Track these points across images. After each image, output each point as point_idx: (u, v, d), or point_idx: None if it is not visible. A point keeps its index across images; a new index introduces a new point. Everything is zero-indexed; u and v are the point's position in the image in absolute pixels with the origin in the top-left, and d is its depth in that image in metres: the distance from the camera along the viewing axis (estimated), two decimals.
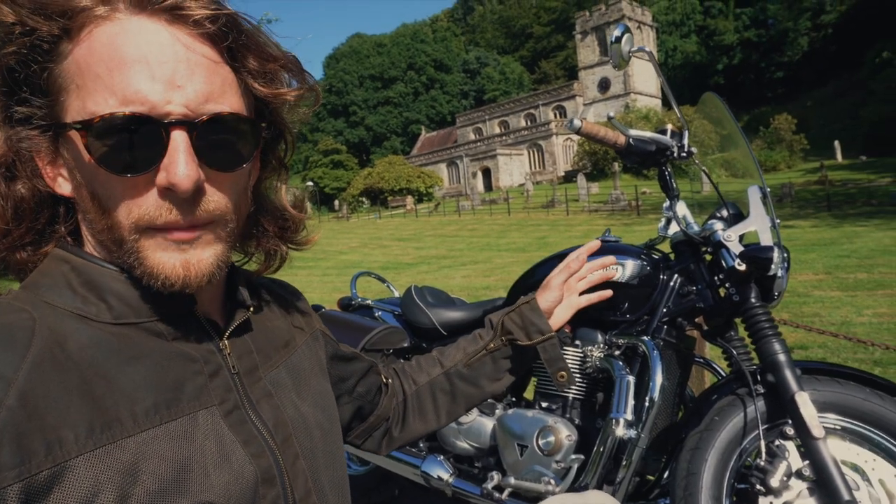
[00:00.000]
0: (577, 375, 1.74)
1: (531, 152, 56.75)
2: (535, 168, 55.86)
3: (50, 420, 0.49)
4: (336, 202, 55.33)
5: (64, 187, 0.60)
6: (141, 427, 0.54)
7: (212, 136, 0.56)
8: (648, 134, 1.60)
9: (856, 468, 1.35)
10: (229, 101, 0.57)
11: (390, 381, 1.01)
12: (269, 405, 0.66)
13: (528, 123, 62.87)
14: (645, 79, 58.71)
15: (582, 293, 1.17)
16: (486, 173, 55.89)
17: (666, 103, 49.67)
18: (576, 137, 50.64)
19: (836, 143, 39.83)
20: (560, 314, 1.12)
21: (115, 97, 0.52)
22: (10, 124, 0.57)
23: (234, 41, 0.57)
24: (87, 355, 0.54)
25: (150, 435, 0.54)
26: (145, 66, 0.53)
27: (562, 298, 1.13)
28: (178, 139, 0.54)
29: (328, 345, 0.89)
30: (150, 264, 0.56)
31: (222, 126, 0.57)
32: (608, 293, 1.22)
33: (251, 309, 0.70)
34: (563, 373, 1.02)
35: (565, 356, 1.73)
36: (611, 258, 1.23)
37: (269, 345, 0.72)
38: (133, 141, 0.53)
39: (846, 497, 1.25)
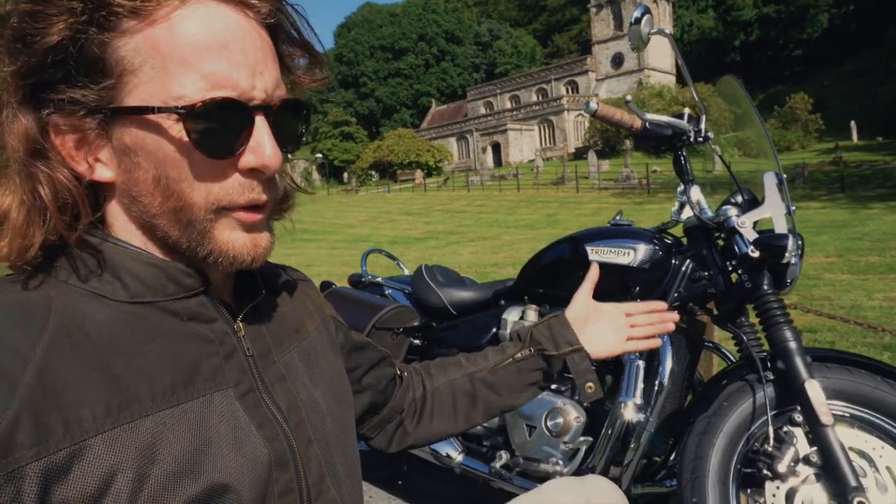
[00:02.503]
0: None
1: (542, 128, 56.25)
2: (546, 144, 55.40)
3: (68, 398, 0.49)
4: (345, 175, 55.22)
5: (102, 172, 0.58)
6: (158, 406, 0.54)
7: (281, 120, 0.60)
8: (665, 118, 1.58)
9: (863, 455, 1.36)
10: (284, 88, 0.61)
11: (405, 373, 0.99)
12: (283, 389, 0.67)
13: (540, 98, 62.21)
14: (659, 55, 57.76)
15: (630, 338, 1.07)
16: (496, 148, 55.54)
17: (680, 80, 48.90)
18: (591, 117, 50.08)
19: (853, 123, 39.21)
20: (601, 347, 1.02)
21: (205, 81, 0.53)
22: (35, 106, 0.54)
23: (286, 33, 0.62)
24: (105, 333, 0.54)
25: (168, 415, 0.54)
26: (232, 53, 0.54)
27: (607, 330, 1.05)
28: (261, 123, 0.57)
29: (342, 331, 0.89)
30: (222, 242, 0.59)
31: (289, 110, 0.61)
32: (657, 343, 1.11)
33: (263, 292, 0.70)
34: (591, 384, 0.99)
35: None
36: (662, 304, 1.10)
37: (281, 329, 0.72)
38: (225, 125, 0.55)
39: (853, 483, 1.26)
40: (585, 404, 1.72)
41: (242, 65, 0.55)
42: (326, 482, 0.68)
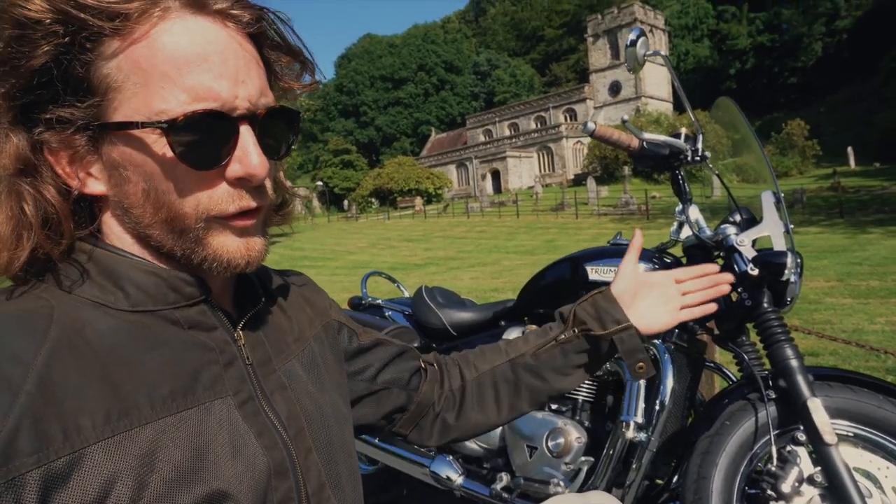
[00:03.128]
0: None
1: (541, 155, 56.68)
2: (545, 171, 55.78)
3: (68, 406, 0.49)
4: (345, 202, 55.46)
5: (94, 186, 0.59)
6: (158, 414, 0.54)
7: (268, 128, 0.60)
8: (662, 137, 1.59)
9: (868, 475, 1.35)
10: (271, 95, 0.62)
11: (433, 365, 0.95)
12: (283, 398, 0.67)
13: (538, 126, 62.76)
14: (656, 82, 58.52)
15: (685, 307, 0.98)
16: (496, 175, 55.87)
17: (678, 107, 49.47)
18: (586, 140, 50.49)
19: (850, 149, 39.53)
20: (653, 321, 0.94)
21: (187, 94, 0.54)
22: (25, 125, 0.56)
23: (271, 42, 0.62)
24: (106, 342, 0.54)
25: (167, 423, 0.54)
26: (212, 64, 0.55)
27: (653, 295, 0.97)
28: (246, 132, 0.58)
29: (346, 335, 0.87)
30: (215, 247, 0.60)
31: (275, 118, 0.61)
32: (713, 307, 1.01)
33: (263, 300, 0.70)
34: (642, 364, 0.90)
35: None
36: (713, 266, 1.02)
37: (281, 337, 0.72)
38: (209, 136, 0.56)
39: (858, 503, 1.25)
40: (587, 424, 1.71)
41: (223, 75, 0.55)
42: (327, 491, 0.68)
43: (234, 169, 0.58)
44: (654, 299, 0.95)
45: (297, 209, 0.78)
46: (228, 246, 0.60)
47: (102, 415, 0.51)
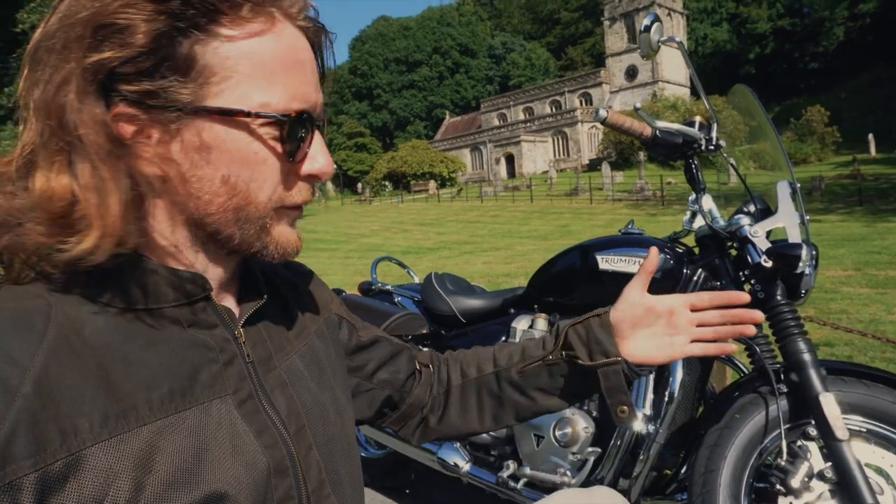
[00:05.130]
0: None
1: (555, 139, 56.24)
2: (559, 155, 55.37)
3: (65, 408, 0.49)
4: (359, 185, 55.50)
5: (148, 168, 0.57)
6: (156, 416, 0.54)
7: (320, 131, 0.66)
8: (676, 126, 1.56)
9: (880, 471, 1.33)
10: None
11: (427, 366, 0.95)
12: (284, 395, 0.66)
13: (553, 110, 62.27)
14: (673, 67, 57.67)
15: (697, 340, 0.85)
16: (510, 160, 55.58)
17: (695, 93, 48.72)
18: (601, 125, 50.00)
19: (870, 136, 38.79)
20: (652, 353, 0.84)
21: (288, 93, 0.58)
22: (111, 96, 0.53)
23: (320, 57, 0.67)
24: (104, 341, 0.54)
25: (165, 423, 0.54)
26: (305, 71, 0.61)
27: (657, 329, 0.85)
28: (318, 135, 0.63)
29: (346, 330, 0.87)
30: (276, 236, 0.63)
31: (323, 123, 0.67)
32: (731, 349, 0.86)
33: (265, 297, 0.70)
34: (624, 407, 0.81)
35: None
36: (743, 296, 0.84)
37: (282, 333, 0.72)
38: (299, 133, 0.60)
39: (869, 500, 1.23)
40: (595, 414, 1.70)
41: (311, 82, 0.61)
42: (327, 489, 0.67)
43: (311, 165, 0.63)
44: (658, 328, 0.84)
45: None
46: (287, 235, 0.64)
47: (100, 416, 0.50)
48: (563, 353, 0.85)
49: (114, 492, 0.49)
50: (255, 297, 0.69)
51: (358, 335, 0.88)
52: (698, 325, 0.83)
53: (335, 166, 0.65)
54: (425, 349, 0.99)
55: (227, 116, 0.56)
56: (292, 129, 0.59)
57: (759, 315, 0.83)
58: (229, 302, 0.67)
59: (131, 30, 0.51)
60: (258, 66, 0.56)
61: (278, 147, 0.59)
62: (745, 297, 0.83)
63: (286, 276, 0.80)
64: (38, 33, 0.55)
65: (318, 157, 0.63)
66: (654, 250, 0.88)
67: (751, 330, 0.83)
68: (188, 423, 0.56)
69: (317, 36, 0.64)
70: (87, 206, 0.52)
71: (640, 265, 0.86)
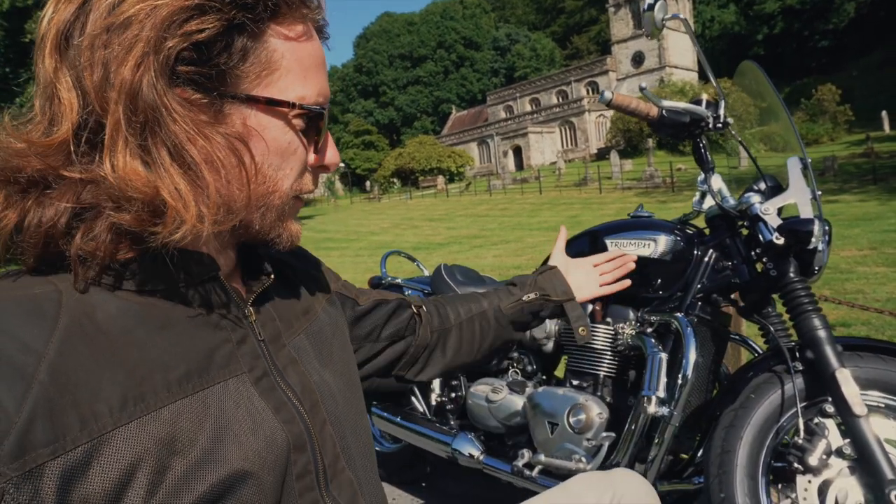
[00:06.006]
0: (609, 352, 1.72)
1: (563, 130, 55.95)
2: (567, 146, 55.08)
3: (83, 394, 0.49)
4: (367, 183, 55.58)
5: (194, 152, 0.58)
6: (175, 396, 0.54)
7: None
8: (682, 105, 1.54)
9: None
10: None
11: (423, 309, 1.07)
12: (296, 372, 0.67)
13: (560, 100, 61.90)
14: (680, 52, 57.08)
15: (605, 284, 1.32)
16: (518, 152, 55.39)
17: (703, 77, 48.21)
18: (609, 114, 49.63)
19: (884, 113, 38.17)
20: (581, 292, 1.25)
21: (316, 89, 0.63)
22: (174, 77, 0.54)
23: None
24: (117, 325, 0.54)
25: (184, 404, 0.54)
26: (325, 71, 0.66)
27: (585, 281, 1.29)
28: (326, 129, 0.67)
29: (346, 305, 0.91)
30: (289, 225, 0.66)
31: None
32: (627, 283, 1.34)
33: (272, 276, 0.71)
34: (584, 328, 1.18)
35: (595, 332, 1.71)
36: (619, 252, 1.40)
37: (289, 312, 0.73)
38: (320, 126, 0.65)
39: (890, 476, 1.21)
40: (608, 399, 1.69)
41: (327, 81, 0.66)
42: (342, 462, 0.68)
43: (324, 156, 0.68)
44: (580, 275, 1.28)
45: (319, 191, 0.82)
46: (294, 224, 0.68)
47: (118, 400, 0.50)
48: (537, 293, 1.17)
49: (138, 475, 0.50)
50: (262, 276, 0.70)
51: (358, 304, 0.95)
52: (602, 275, 1.32)
53: (343, 164, 0.68)
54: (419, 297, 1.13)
55: (272, 106, 0.60)
56: (316, 121, 0.64)
57: (631, 256, 1.38)
58: (236, 281, 0.69)
59: (208, 18, 0.53)
60: (298, 63, 0.61)
61: (306, 138, 0.64)
62: (620, 252, 1.39)
63: (288, 258, 0.82)
64: (70, 17, 0.53)
65: (328, 150, 0.68)
66: (563, 228, 1.35)
67: (630, 266, 1.36)
68: (207, 402, 0.56)
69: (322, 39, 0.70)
70: (175, 191, 0.52)
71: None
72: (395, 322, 0.99)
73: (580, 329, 1.18)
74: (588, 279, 1.28)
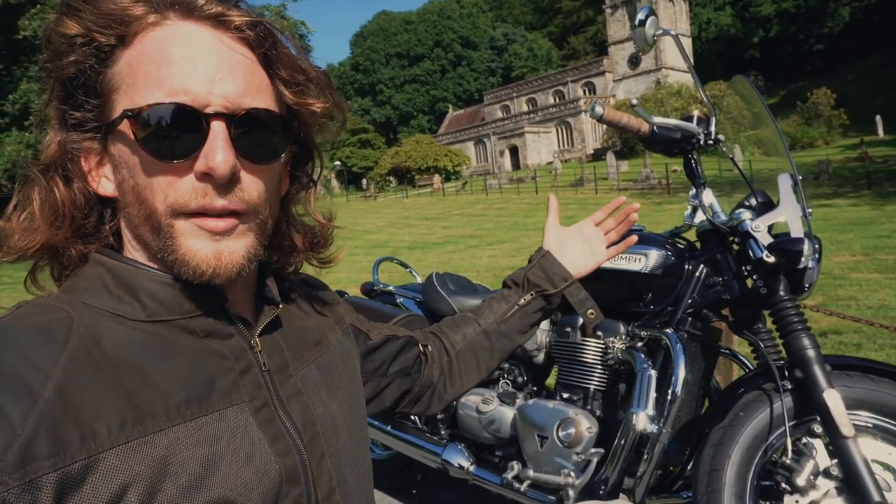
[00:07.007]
0: (599, 366, 1.72)
1: (559, 130, 56.00)
2: (564, 146, 55.14)
3: (85, 413, 0.51)
4: (364, 181, 55.53)
5: (106, 187, 0.63)
6: (172, 422, 0.55)
7: (248, 130, 0.60)
8: (673, 121, 1.54)
9: (887, 467, 1.31)
10: (265, 101, 0.62)
11: (429, 348, 1.03)
12: (299, 403, 0.67)
13: (557, 101, 61.90)
14: (676, 54, 56.92)
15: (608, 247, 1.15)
16: (514, 151, 55.40)
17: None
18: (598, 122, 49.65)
19: (878, 117, 38.33)
20: (584, 264, 1.11)
21: (162, 90, 0.56)
22: (65, 128, 0.61)
23: (269, 49, 0.63)
24: (123, 352, 0.56)
25: (181, 430, 0.56)
26: (190, 63, 0.57)
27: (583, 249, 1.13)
28: (217, 129, 0.58)
29: (359, 338, 0.90)
30: (183, 250, 0.59)
31: (258, 121, 0.61)
32: (634, 239, 1.17)
33: (280, 306, 0.71)
34: (592, 311, 1.06)
35: (586, 346, 1.71)
36: (620, 199, 1.18)
37: (299, 342, 0.73)
38: (177, 129, 0.57)
39: (876, 497, 1.22)
40: (598, 414, 1.69)
41: (200, 73, 0.57)
42: (336, 497, 0.68)
43: (199, 163, 0.58)
44: (580, 244, 1.11)
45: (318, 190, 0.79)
46: (198, 251, 0.59)
47: (118, 421, 0.52)
48: (533, 292, 1.06)
49: (129, 494, 0.51)
50: (271, 306, 0.71)
51: (370, 338, 0.92)
52: (606, 233, 1.13)
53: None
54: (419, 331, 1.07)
55: (115, 127, 0.59)
56: (150, 125, 0.56)
57: (634, 205, 1.14)
58: (245, 311, 0.69)
59: (58, 71, 0.58)
60: (136, 71, 0.57)
61: (165, 146, 0.57)
62: (622, 199, 1.17)
63: (301, 287, 0.82)
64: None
65: (207, 154, 0.57)
66: (552, 196, 1.19)
67: (634, 217, 1.14)
68: (204, 429, 0.57)
69: (241, 24, 0.60)
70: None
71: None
72: (402, 359, 0.97)
73: (588, 312, 1.06)
74: (590, 245, 1.11)
